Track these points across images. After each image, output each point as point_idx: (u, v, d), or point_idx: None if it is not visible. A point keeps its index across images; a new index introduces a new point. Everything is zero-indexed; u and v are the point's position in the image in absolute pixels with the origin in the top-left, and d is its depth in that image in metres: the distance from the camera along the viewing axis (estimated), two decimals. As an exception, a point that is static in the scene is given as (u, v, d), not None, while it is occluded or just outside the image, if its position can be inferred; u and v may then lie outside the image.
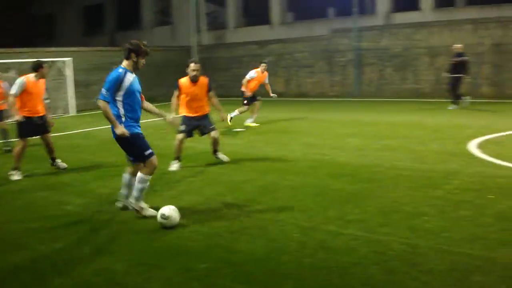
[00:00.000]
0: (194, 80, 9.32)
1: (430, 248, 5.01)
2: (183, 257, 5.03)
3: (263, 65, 15.01)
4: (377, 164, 9.05)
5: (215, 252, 5.12)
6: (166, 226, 5.87)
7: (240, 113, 14.92)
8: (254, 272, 4.61)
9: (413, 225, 5.70)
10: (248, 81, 14.75)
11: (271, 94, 15.12)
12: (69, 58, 22.44)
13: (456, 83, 17.82)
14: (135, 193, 6.34)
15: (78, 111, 22.47)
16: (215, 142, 9.59)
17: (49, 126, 9.72)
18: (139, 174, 6.33)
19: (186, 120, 9.44)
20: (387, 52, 23.87)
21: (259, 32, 29.50)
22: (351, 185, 7.68)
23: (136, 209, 6.36)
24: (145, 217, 6.29)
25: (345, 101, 22.66)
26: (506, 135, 11.77)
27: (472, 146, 10.43)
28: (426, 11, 24.52)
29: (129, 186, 6.56)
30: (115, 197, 7.51)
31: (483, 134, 11.77)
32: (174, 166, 9.31)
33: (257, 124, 14.88)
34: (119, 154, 11.02)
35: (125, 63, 6.19)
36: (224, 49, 30.48)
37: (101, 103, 6.00)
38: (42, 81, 9.56)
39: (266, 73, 15.13)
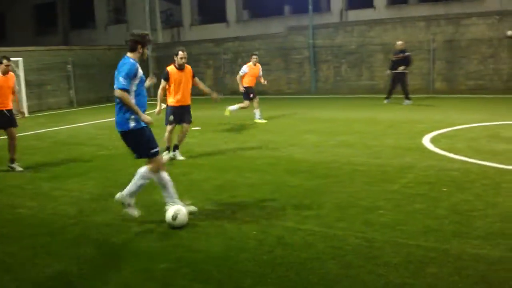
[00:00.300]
0: (181, 68, 9.92)
1: (386, 241, 5.11)
2: (141, 258, 4.98)
3: (254, 58, 14.83)
4: (333, 160, 9.15)
5: (174, 252, 5.10)
6: (175, 227, 5.75)
7: (241, 108, 14.87)
8: (213, 270, 4.60)
9: (369, 219, 5.79)
10: (242, 76, 14.69)
11: (263, 81, 15.08)
12: (19, 58, 21.91)
13: (403, 78, 18.25)
14: (131, 187, 6.03)
15: (31, 112, 21.95)
16: (183, 135, 10.06)
17: (15, 121, 10.02)
18: (142, 169, 6.04)
19: (174, 109, 9.88)
20: (342, 49, 24.17)
21: (215, 30, 29.43)
22: (308, 181, 7.75)
23: (123, 203, 6.06)
24: (129, 215, 6.11)
25: (302, 98, 22.83)
26: (458, 129, 12.07)
27: (426, 141, 10.66)
28: (380, 9, 24.94)
29: (164, 185, 6.12)
30: (69, 199, 7.39)
31: (437, 129, 12.05)
32: (165, 156, 9.58)
33: (265, 121, 14.89)
34: (72, 156, 10.88)
35: (130, 55, 6.01)
36: (180, 47, 30.30)
37: (120, 92, 5.73)
38: (10, 75, 9.89)
39: (258, 66, 15.00)
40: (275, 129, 13.31)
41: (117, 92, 5.74)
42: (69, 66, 24.96)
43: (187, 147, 10.74)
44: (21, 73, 21.83)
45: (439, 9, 23.07)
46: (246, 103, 14.70)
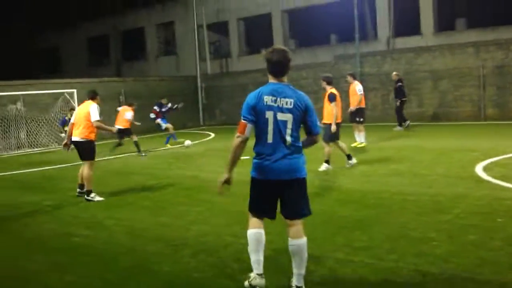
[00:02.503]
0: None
1: (439, 274, 4.98)
2: (193, 288, 5.01)
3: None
4: (383, 190, 9.03)
5: (226, 281, 5.10)
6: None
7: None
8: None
9: (421, 251, 5.67)
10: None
11: None
12: (73, 90, 22.66)
13: (400, 107, 19.66)
14: (303, 264, 4.75)
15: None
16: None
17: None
18: (304, 239, 4.76)
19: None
20: (389, 77, 23.97)
21: (263, 60, 29.73)
22: (358, 211, 7.67)
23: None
24: None
25: (350, 126, 22.64)
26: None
27: (479, 169, 10.41)
28: (428, 36, 24.73)
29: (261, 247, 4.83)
30: (122, 228, 7.50)
31: (489, 157, 11.76)
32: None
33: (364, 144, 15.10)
34: (125, 185, 11.08)
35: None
36: (228, 77, 30.75)
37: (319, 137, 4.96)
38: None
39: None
40: (322, 158, 13.22)
41: (319, 138, 4.94)
42: (121, 97, 25.64)
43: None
44: (76, 104, 22.59)
45: (488, 35, 22.68)
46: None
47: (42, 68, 44.08)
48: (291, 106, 4.58)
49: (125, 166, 14.55)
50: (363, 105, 15.19)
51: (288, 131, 4.59)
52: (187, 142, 18.46)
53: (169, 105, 19.24)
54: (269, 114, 4.57)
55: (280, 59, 4.65)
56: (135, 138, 16.90)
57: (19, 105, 22.50)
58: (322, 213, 7.58)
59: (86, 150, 9.93)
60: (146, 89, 27.51)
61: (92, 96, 10.30)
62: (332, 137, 11.49)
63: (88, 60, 41.50)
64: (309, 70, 26.42)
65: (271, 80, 4.71)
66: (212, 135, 23.81)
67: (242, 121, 4.61)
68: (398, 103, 19.75)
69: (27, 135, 22.29)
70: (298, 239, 4.70)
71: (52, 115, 22.89)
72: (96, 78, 27.19)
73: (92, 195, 9.77)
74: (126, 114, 16.88)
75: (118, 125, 16.23)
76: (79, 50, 41.90)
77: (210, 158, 15.02)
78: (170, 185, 10.89)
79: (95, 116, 9.82)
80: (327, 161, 11.48)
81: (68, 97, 22.88)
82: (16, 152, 21.11)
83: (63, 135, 21.66)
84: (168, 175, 12.37)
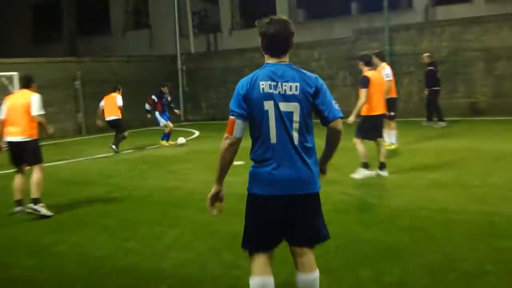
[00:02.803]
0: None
1: (498, 320, 4.94)
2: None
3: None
4: (421, 206, 9.00)
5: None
6: None
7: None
8: None
9: (473, 289, 5.63)
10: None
11: None
12: (14, 73, 22.57)
13: (431, 97, 20.25)
14: None
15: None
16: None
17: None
18: (317, 273, 4.80)
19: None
20: (429, 58, 24.00)
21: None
22: (387, 235, 7.63)
23: None
24: None
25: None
26: None
27: (547, 180, 10.41)
28: (479, 4, 24.69)
29: None
30: (76, 256, 7.47)
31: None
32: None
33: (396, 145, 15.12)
34: (80, 198, 11.03)
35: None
36: (217, 58, 30.78)
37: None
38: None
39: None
40: (339, 163, 13.18)
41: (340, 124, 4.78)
42: (77, 82, 25.62)
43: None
44: (16, 90, 22.51)
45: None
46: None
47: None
48: (297, 92, 4.48)
49: (80, 173, 14.54)
50: (393, 95, 15.11)
51: (295, 125, 4.48)
52: (181, 140, 18.74)
53: (169, 97, 19.33)
54: (268, 105, 4.45)
55: (279, 32, 4.54)
56: (126, 134, 17.98)
57: None
58: (340, 237, 7.50)
59: (33, 151, 9.97)
60: (108, 72, 27.52)
61: (27, 83, 10.38)
62: (364, 132, 11.51)
63: (33, 34, 41.45)
64: (322, 48, 26.43)
65: (268, 60, 4.62)
66: (197, 133, 23.80)
67: (231, 117, 4.50)
68: (427, 93, 20.33)
69: None
70: (309, 273, 4.65)
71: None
72: (43, 57, 27.14)
73: (41, 205, 9.75)
74: (118, 100, 17.94)
75: (111, 116, 17.64)
76: (21, 20, 41.84)
77: (193, 164, 15.00)
78: (140, 199, 10.84)
79: (38, 109, 9.88)
80: (365, 165, 11.53)
81: (5, 82, 22.81)
82: None
83: None
84: (138, 185, 12.36)
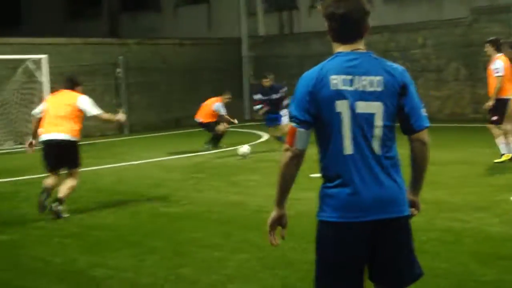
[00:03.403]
0: None
1: None
2: None
3: None
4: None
5: None
6: None
7: None
8: None
9: None
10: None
11: None
12: (43, 56, 22.91)
13: None
14: None
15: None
16: None
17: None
18: None
19: None
20: None
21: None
22: (512, 274, 7.53)
23: None
24: None
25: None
26: None
27: None
28: None
29: None
30: (118, 283, 7.58)
31: None
32: None
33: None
34: (122, 213, 11.20)
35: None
36: (293, 42, 30.69)
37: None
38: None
39: None
40: (448, 181, 13.06)
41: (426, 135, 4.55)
42: (118, 70, 25.83)
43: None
44: (45, 78, 22.78)
45: None
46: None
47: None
48: (380, 88, 4.28)
49: (122, 182, 14.78)
50: (505, 94, 14.79)
51: (377, 131, 4.28)
52: (245, 149, 17.97)
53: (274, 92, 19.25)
54: (341, 106, 4.24)
55: (351, 12, 4.33)
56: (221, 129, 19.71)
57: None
58: (451, 275, 7.42)
59: (74, 152, 11.12)
60: (157, 58, 27.75)
61: (71, 85, 11.60)
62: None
63: (66, 9, 41.92)
64: (429, 32, 26.14)
65: (339, 48, 4.43)
66: (264, 136, 23.78)
67: (291, 124, 4.36)
68: None
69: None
70: None
71: (7, 95, 23.38)
72: (78, 37, 27.45)
73: (63, 207, 10.83)
74: (215, 106, 19.86)
75: (200, 119, 19.73)
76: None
77: (260, 174, 15.01)
78: (195, 216, 10.92)
79: (94, 109, 11.37)
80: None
81: (32, 67, 23.17)
82: None
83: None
84: (194, 198, 12.48)
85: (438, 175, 13.53)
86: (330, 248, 4.34)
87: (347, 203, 4.25)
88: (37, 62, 23.02)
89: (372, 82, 4.24)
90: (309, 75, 4.34)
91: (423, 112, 4.38)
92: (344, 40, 4.39)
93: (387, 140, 4.30)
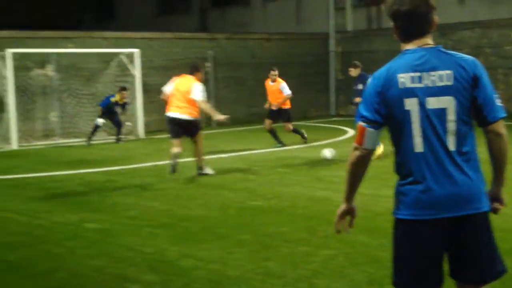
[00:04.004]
0: None
1: None
2: None
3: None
4: None
5: None
6: None
7: None
8: None
9: None
10: None
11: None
12: (135, 50, 23.19)
13: None
14: None
15: (148, 132, 23.37)
16: None
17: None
18: None
19: None
20: None
21: (442, 10, 29.12)
22: None
23: None
24: None
25: None
26: None
27: None
28: None
29: None
30: (206, 274, 7.65)
31: None
32: None
33: None
34: (209, 205, 11.32)
35: None
36: (382, 37, 30.37)
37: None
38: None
39: None
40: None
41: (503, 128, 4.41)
42: (208, 64, 25.95)
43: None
44: (137, 71, 23.09)
45: None
46: None
47: (87, 15, 45.62)
48: (451, 82, 4.21)
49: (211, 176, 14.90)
50: None
51: (450, 126, 4.21)
52: (328, 152, 16.99)
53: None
54: (410, 104, 4.22)
55: (416, 8, 4.28)
56: (290, 127, 19.71)
57: (49, 70, 23.38)
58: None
59: (194, 128, 14.43)
60: (246, 53, 27.82)
61: (193, 70, 14.65)
62: None
63: (157, 5, 42.29)
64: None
65: (406, 46, 4.44)
66: (350, 132, 23.69)
67: (360, 123, 4.35)
68: None
69: (60, 118, 23.28)
70: None
71: (101, 88, 23.74)
72: (169, 32, 27.76)
73: (208, 170, 14.61)
74: (282, 86, 19.64)
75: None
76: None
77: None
78: (281, 210, 11.00)
79: (198, 95, 13.94)
80: None
81: (125, 60, 23.57)
82: (43, 143, 22.03)
83: (128, 124, 22.52)
84: (279, 193, 12.55)
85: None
86: (405, 245, 4.35)
87: (419, 200, 4.24)
88: (130, 56, 23.38)
89: (442, 76, 4.20)
90: (378, 75, 4.37)
91: (498, 102, 4.28)
92: (411, 37, 4.39)
93: (462, 135, 4.22)
